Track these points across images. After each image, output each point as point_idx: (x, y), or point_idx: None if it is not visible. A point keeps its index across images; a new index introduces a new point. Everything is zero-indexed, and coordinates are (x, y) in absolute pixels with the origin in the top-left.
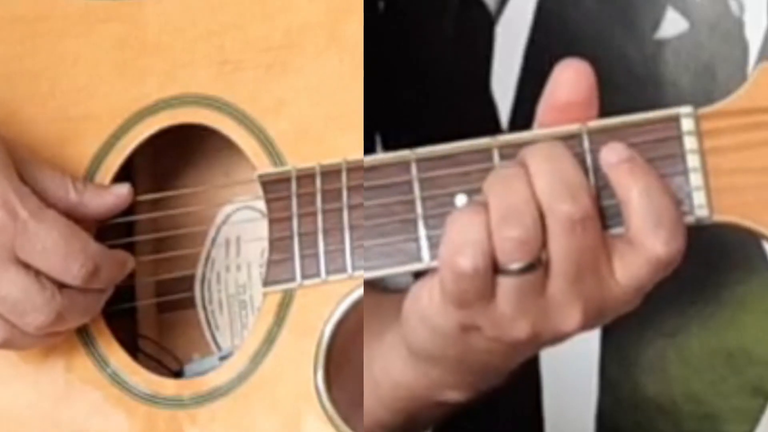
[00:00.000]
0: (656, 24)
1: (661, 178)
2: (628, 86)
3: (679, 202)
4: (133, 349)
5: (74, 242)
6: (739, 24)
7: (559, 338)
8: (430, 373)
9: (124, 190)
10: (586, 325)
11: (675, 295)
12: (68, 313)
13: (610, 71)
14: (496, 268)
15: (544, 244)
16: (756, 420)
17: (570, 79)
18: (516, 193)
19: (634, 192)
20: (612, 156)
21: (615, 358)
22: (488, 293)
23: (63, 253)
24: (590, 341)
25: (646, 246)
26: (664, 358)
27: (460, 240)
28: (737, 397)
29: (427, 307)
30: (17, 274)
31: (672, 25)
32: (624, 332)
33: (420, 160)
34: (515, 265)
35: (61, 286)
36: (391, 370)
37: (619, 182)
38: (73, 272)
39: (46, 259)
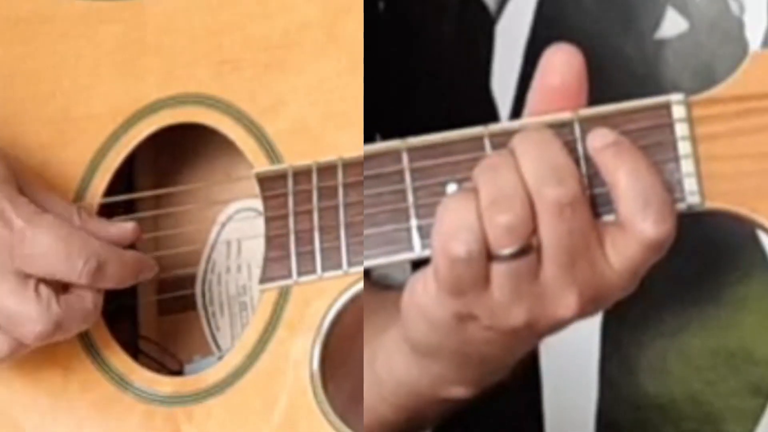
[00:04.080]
0: (656, 24)
1: (649, 160)
2: (629, 86)
3: (670, 189)
4: (134, 350)
5: (74, 241)
6: (739, 24)
7: (555, 326)
8: (431, 368)
9: (129, 226)
10: (582, 312)
11: (675, 295)
12: (66, 322)
13: (611, 71)
14: (489, 255)
15: (534, 228)
16: (756, 420)
17: (561, 63)
18: (504, 179)
19: (621, 174)
20: (597, 140)
21: (615, 358)
22: (482, 280)
23: (65, 253)
24: (590, 341)
25: (636, 228)
26: (664, 358)
27: (453, 226)
28: (737, 397)
29: (423, 298)
30: (16, 285)
31: (672, 25)
32: (624, 332)
33: (411, 150)
34: (507, 251)
35: (59, 294)
36: (394, 368)
37: (606, 166)
38: (77, 270)
39: (47, 263)
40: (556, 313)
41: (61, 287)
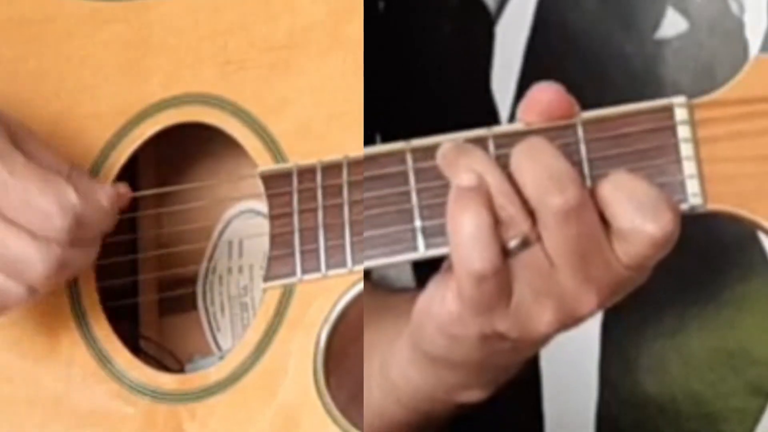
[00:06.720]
0: (656, 24)
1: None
2: (628, 86)
3: (672, 191)
4: (134, 349)
5: (51, 198)
6: (739, 24)
7: (578, 322)
8: (450, 377)
9: (117, 191)
10: (602, 305)
11: (675, 295)
12: (70, 260)
13: (610, 71)
14: (504, 252)
15: (533, 224)
16: (756, 420)
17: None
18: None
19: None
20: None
21: (615, 358)
22: (507, 289)
23: (43, 211)
24: (590, 341)
25: (636, 232)
26: (664, 358)
27: (468, 241)
28: (737, 397)
29: (444, 319)
30: (8, 230)
31: (672, 25)
32: (624, 332)
33: (415, 151)
34: (514, 242)
35: None
36: (412, 376)
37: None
38: (55, 227)
39: (26, 215)
40: (579, 311)
41: None
